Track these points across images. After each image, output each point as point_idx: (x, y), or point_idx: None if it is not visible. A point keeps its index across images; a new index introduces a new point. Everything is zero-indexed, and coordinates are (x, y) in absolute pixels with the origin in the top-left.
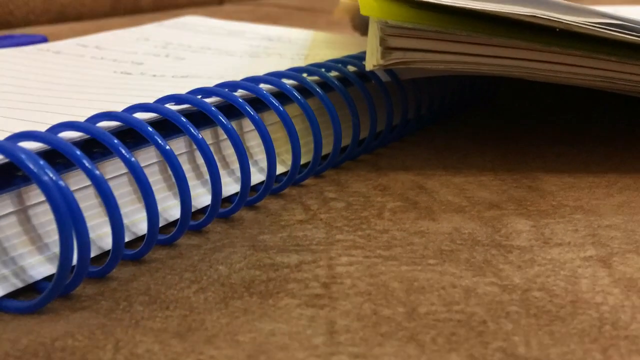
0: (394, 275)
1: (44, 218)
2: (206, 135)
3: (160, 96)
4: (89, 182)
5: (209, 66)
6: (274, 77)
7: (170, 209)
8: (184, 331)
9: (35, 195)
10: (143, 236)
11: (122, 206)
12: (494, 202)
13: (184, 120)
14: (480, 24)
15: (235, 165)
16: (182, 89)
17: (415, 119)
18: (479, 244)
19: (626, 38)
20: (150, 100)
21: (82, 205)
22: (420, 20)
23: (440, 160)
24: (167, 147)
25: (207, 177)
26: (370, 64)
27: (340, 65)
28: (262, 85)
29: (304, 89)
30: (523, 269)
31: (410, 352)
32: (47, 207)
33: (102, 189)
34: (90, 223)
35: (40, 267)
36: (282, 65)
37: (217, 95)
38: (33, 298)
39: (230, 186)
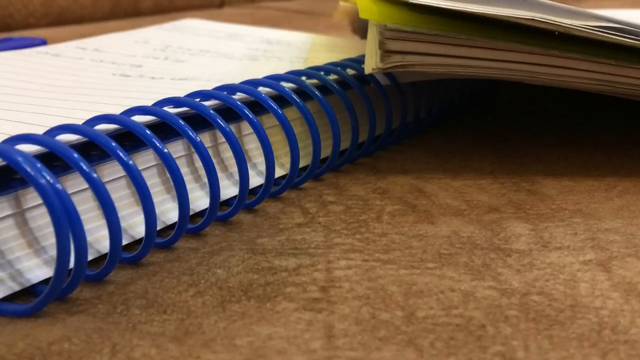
0: (393, 279)
1: (41, 221)
2: (204, 138)
3: (159, 98)
4: (86, 185)
5: (208, 69)
6: (272, 80)
7: (168, 212)
8: (181, 335)
9: (32, 198)
10: (141, 239)
11: (119, 209)
12: (493, 206)
13: (182, 123)
14: (479, 27)
15: (234, 169)
16: (181, 91)
17: (414, 122)
18: (477, 247)
19: (625, 41)
20: (149, 102)
21: (80, 208)
22: (419, 23)
23: (439, 164)
24: (165, 150)
25: (206, 180)
26: (369, 67)
27: (339, 68)
28: (260, 89)
29: (303, 92)
30: (522, 273)
31: (409, 356)
32: (44, 210)
33: (100, 192)
34: (87, 226)
35: (37, 270)
36: (281, 69)
37: (215, 98)
38: (30, 301)
39: (229, 189)
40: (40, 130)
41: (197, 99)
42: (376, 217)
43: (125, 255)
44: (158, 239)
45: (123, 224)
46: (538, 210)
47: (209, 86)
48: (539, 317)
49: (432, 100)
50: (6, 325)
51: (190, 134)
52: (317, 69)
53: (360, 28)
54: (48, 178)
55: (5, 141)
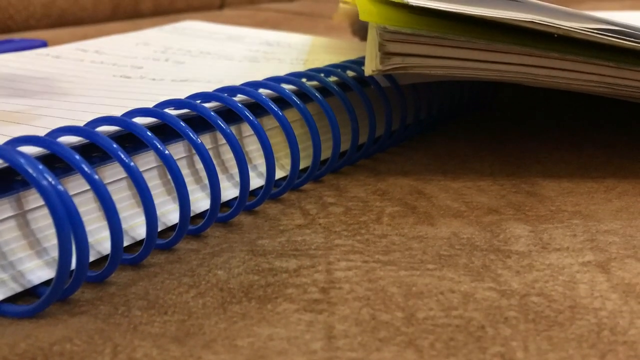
0: (393, 280)
1: (43, 222)
2: (205, 140)
3: (160, 100)
4: (88, 187)
5: (208, 70)
6: (273, 82)
7: (169, 213)
8: (182, 336)
9: (34, 200)
10: (142, 241)
11: (121, 211)
12: (492, 207)
13: (183, 125)
14: (479, 29)
15: (234, 170)
16: (181, 92)
17: (414, 124)
18: (477, 249)
19: (624, 44)
20: (150, 104)
21: (81, 209)
22: (419, 25)
23: (439, 165)
24: (166, 152)
25: (206, 181)
26: (369, 69)
27: (339, 70)
28: (261, 90)
29: (303, 94)
30: (521, 274)
31: (409, 357)
32: (46, 211)
33: (101, 194)
34: (89, 227)
35: (39, 271)
36: (282, 70)
37: (216, 100)
38: (31, 302)
39: (229, 191)
40: (41, 132)
41: (198, 101)
42: (376, 219)
43: (127, 256)
44: (159, 240)
45: (124, 226)
46: (537, 211)
47: (209, 88)
48: (538, 318)
49: (431, 102)
50: (8, 326)
51: (191, 135)
52: (317, 70)
53: (360, 30)
54: (50, 179)
55: (7, 143)
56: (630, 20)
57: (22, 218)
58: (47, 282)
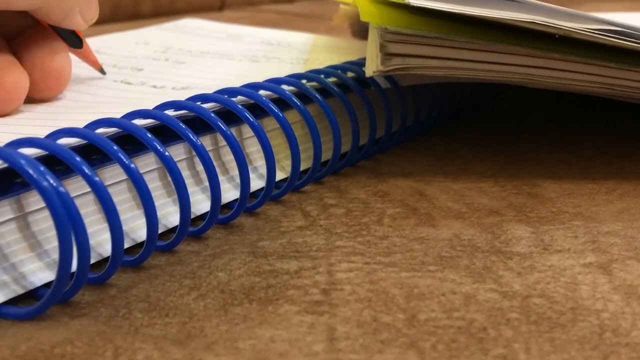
0: (394, 281)
1: (44, 224)
2: (205, 141)
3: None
4: (88, 189)
5: (208, 72)
6: (273, 84)
7: (169, 215)
8: (184, 338)
9: (34, 202)
10: (142, 242)
11: (121, 212)
12: (493, 209)
13: (183, 126)
14: (480, 30)
15: (235, 172)
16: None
17: (415, 125)
18: (478, 250)
19: (624, 44)
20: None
21: (82, 211)
22: (420, 26)
23: (440, 167)
24: (167, 154)
25: (207, 183)
26: (370, 70)
27: (339, 71)
28: (261, 92)
29: (304, 95)
30: (523, 276)
31: (411, 359)
32: (46, 213)
33: (102, 195)
34: (89, 229)
35: (40, 273)
36: (282, 70)
37: (216, 101)
38: (32, 304)
39: (230, 192)
40: (41, 134)
41: (198, 102)
42: (377, 220)
43: (127, 258)
44: (159, 242)
45: (125, 227)
46: (539, 213)
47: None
48: (540, 319)
49: (432, 103)
50: (9, 328)
51: (192, 137)
52: (318, 72)
53: (360, 31)
54: (51, 181)
55: (7, 144)
56: (631, 21)
57: (22, 220)
58: (48, 285)
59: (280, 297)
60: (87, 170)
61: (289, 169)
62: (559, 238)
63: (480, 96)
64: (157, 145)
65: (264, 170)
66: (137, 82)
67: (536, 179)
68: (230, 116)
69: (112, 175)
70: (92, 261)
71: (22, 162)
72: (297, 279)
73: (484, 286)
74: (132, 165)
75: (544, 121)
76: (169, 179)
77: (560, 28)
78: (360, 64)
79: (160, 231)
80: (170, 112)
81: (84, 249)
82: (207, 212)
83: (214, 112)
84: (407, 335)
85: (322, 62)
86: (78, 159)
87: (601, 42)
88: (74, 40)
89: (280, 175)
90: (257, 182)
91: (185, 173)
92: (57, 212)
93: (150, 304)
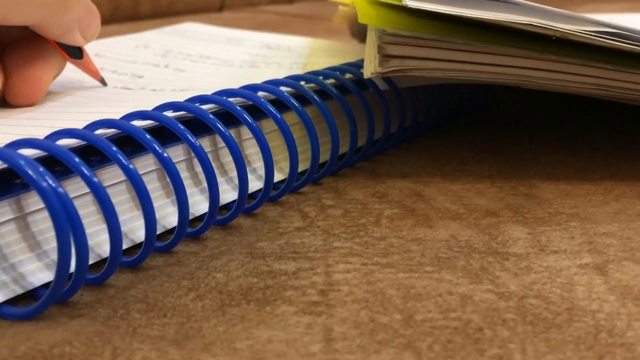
0: (391, 282)
1: (43, 225)
2: (204, 142)
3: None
4: (87, 190)
5: (208, 78)
6: (272, 85)
7: (168, 216)
8: (181, 339)
9: (34, 202)
10: (141, 243)
11: (120, 213)
12: (490, 210)
13: (182, 127)
14: (478, 32)
15: (233, 173)
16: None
17: (413, 126)
18: (475, 251)
19: (621, 46)
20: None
21: (81, 212)
22: (418, 28)
23: (437, 168)
24: (165, 155)
25: (205, 184)
26: (368, 71)
27: (338, 73)
28: (260, 93)
29: (302, 97)
30: (519, 277)
31: (407, 359)
32: (45, 214)
33: (100, 196)
34: (88, 230)
35: (39, 273)
36: (281, 75)
37: (215, 103)
38: (31, 305)
39: (228, 193)
40: (41, 136)
41: (197, 104)
42: (375, 221)
43: (126, 259)
44: (158, 243)
45: (123, 228)
46: (535, 214)
47: None
48: (536, 320)
49: (430, 105)
50: (8, 328)
51: (190, 138)
52: (316, 73)
53: (359, 32)
54: (50, 182)
55: (7, 145)
56: (628, 23)
57: (21, 220)
58: (47, 285)
59: (277, 298)
60: (86, 171)
61: (287, 170)
62: (555, 239)
63: (478, 98)
64: (156, 147)
65: (262, 172)
66: (137, 88)
67: (533, 180)
68: (229, 117)
69: (111, 176)
70: (91, 262)
71: (22, 162)
72: (295, 280)
73: (481, 287)
74: (131, 166)
75: (540, 123)
76: (168, 180)
77: (558, 30)
78: (358, 65)
79: (158, 232)
80: (169, 114)
81: (83, 250)
82: (206, 213)
83: (212, 113)
84: (403, 335)
85: (320, 65)
86: (77, 160)
87: (598, 44)
88: (74, 51)
89: (278, 177)
90: (255, 183)
91: (184, 174)
92: (56, 212)
93: (148, 305)
